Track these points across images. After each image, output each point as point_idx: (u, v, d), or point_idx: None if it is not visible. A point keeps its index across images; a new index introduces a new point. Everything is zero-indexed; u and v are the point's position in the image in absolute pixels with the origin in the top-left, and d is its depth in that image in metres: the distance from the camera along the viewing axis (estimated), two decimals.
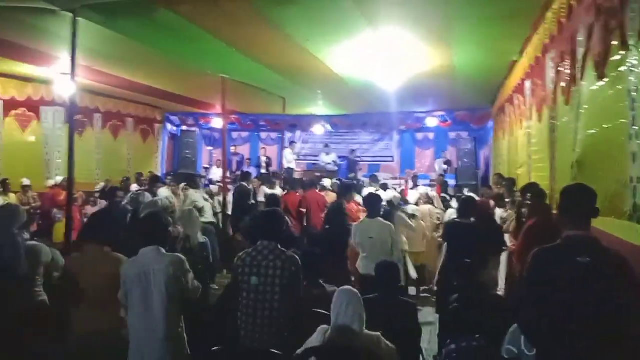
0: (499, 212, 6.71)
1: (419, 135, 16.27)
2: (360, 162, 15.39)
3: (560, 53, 4.68)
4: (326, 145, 15.42)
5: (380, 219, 5.85)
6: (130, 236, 5.39)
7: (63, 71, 9.21)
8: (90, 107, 12.36)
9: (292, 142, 15.51)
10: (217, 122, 14.75)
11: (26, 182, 9.87)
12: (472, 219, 5.66)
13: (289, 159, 14.53)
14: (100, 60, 9.01)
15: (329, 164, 14.59)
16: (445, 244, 6.10)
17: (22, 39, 7.90)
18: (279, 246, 3.61)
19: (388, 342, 3.12)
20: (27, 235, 4.31)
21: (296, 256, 3.65)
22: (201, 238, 4.68)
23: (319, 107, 13.99)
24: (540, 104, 5.80)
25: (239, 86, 10.45)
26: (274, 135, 16.91)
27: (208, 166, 15.87)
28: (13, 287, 3.81)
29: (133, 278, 3.29)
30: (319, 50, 7.92)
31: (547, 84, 5.40)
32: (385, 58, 8.14)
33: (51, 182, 10.51)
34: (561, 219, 2.62)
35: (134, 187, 10.20)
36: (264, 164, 14.80)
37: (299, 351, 3.10)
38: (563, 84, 4.65)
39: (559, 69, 4.77)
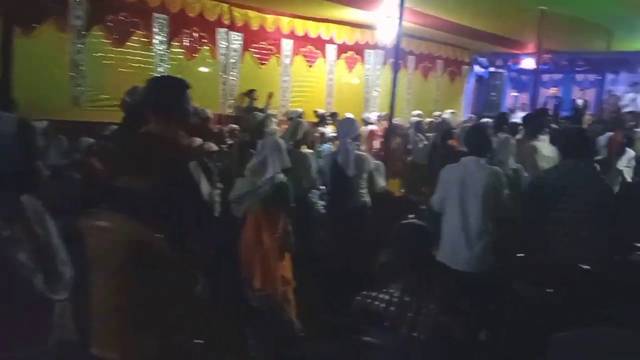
0: None
1: None
2: None
3: None
4: None
5: None
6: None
7: (387, 15, 10.12)
8: (406, 49, 13.25)
9: (636, 83, 13.66)
10: (528, 63, 14.07)
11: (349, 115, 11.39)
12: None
13: None
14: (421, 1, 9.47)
15: None
16: None
17: None
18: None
19: None
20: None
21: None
22: (513, 164, 4.88)
23: None
24: None
25: (558, 20, 9.62)
26: (591, 77, 15.17)
27: (512, 109, 15.35)
28: (345, 185, 4.73)
29: (453, 182, 3.66)
30: None
31: None
32: None
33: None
34: None
35: None
36: (579, 108, 13.49)
37: None
38: None
39: None
